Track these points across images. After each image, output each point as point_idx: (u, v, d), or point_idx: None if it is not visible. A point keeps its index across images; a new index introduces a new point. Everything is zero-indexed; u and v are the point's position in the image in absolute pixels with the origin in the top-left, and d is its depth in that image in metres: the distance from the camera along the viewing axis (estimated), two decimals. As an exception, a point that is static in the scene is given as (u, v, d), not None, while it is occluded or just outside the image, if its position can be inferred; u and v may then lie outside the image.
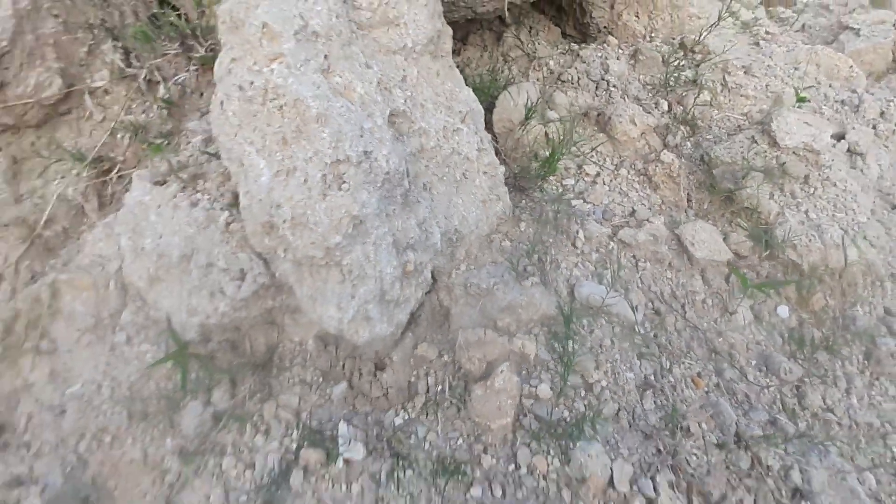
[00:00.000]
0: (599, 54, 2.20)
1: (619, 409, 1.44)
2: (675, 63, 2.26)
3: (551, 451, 1.36)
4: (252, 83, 1.31)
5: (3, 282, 2.06)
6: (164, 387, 1.65)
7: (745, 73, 2.54)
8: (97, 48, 2.22)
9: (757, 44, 2.87)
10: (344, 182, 1.26)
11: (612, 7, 2.29)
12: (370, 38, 1.50)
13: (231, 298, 1.54)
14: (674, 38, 2.46)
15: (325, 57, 1.35)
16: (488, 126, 1.83)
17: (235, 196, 1.72)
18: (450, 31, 1.72)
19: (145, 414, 1.63)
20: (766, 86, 2.50)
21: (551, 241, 1.70)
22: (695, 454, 1.37)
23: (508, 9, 1.82)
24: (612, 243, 1.76)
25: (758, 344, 1.69)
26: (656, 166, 1.92)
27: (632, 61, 2.25)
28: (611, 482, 1.31)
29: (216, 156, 1.87)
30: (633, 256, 1.76)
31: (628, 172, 1.96)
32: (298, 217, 1.25)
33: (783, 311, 1.79)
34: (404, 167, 1.40)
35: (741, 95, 2.25)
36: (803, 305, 1.82)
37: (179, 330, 1.63)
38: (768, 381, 1.62)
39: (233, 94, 1.35)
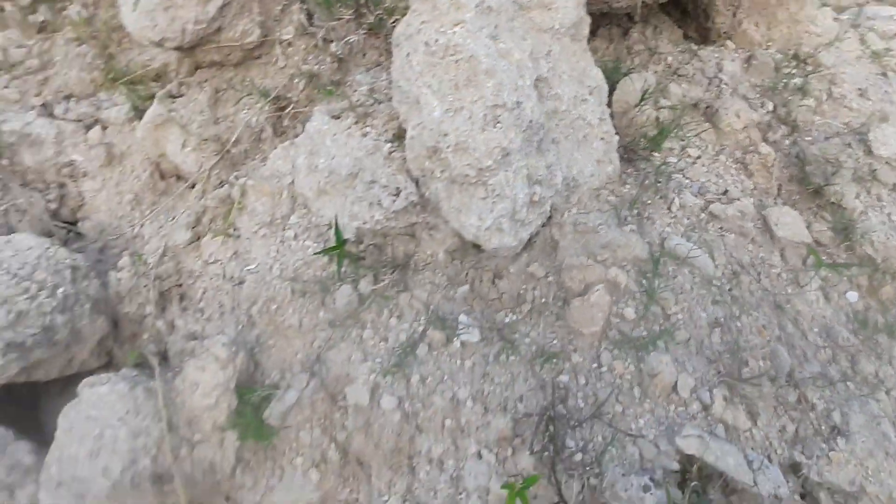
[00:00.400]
0: (716, 55, 2.47)
1: (689, 338, 1.75)
2: (787, 71, 2.49)
3: (629, 359, 1.70)
4: (437, 41, 1.73)
5: (198, 184, 2.64)
6: (320, 274, 2.13)
7: (859, 94, 2.72)
8: (288, 7, 2.75)
9: (884, 74, 2.98)
10: (498, 122, 1.66)
11: (734, 15, 2.55)
12: (527, 17, 1.89)
13: (386, 210, 1.99)
14: (789, 50, 2.69)
15: (495, 27, 1.75)
16: (608, 104, 2.17)
17: (397, 132, 2.16)
18: (588, 19, 2.08)
19: (304, 292, 2.12)
20: (880, 110, 2.66)
21: (650, 202, 2.03)
22: (750, 383, 1.66)
23: (643, 6, 2.15)
24: (703, 214, 2.05)
25: (823, 317, 1.94)
26: (753, 156, 2.19)
27: (745, 65, 2.50)
28: (674, 388, 1.63)
29: (380, 101, 2.33)
30: (721, 228, 2.04)
31: (727, 159, 2.23)
32: (461, 143, 1.67)
33: (852, 295, 2.01)
34: (542, 120, 1.78)
35: (845, 107, 2.46)
36: (872, 294, 2.03)
37: (335, 233, 2.10)
38: (825, 344, 1.86)
39: (419, 48, 1.78)
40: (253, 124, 2.66)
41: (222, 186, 2.56)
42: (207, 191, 2.59)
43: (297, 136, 2.66)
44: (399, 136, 2.10)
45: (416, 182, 1.99)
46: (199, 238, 2.54)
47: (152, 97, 2.94)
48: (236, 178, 2.57)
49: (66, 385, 2.47)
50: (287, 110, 2.68)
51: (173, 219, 2.68)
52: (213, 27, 2.53)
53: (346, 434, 1.84)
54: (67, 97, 2.97)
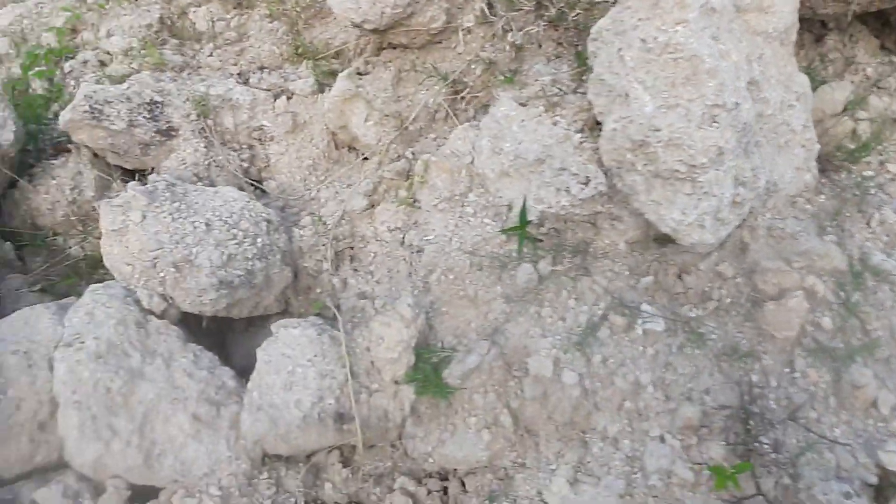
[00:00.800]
0: (920, 70, 2.37)
1: (889, 356, 1.73)
2: None
3: (824, 368, 1.72)
4: (656, 38, 1.80)
5: (375, 156, 2.85)
6: (497, 251, 2.27)
7: None
8: (471, -3, 2.88)
9: None
10: (716, 121, 1.71)
11: (940, 28, 2.42)
12: (743, 20, 1.92)
13: (573, 197, 2.09)
14: None
15: (717, 28, 1.79)
16: (804, 111, 2.15)
17: (586, 123, 2.25)
18: (797, 24, 2.07)
19: (480, 266, 2.26)
20: None
21: (848, 216, 2.00)
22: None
23: (852, 14, 2.10)
24: (903, 232, 2.00)
25: None
26: (961, 178, 2.09)
27: (953, 81, 2.38)
28: (874, 403, 1.63)
29: (565, 92, 2.43)
30: (923, 248, 1.98)
31: (930, 179, 2.15)
32: (674, 139, 1.73)
33: None
34: (752, 123, 1.81)
35: None
36: None
37: (519, 214, 2.23)
38: None
39: (634, 44, 1.85)
40: (430, 104, 2.84)
41: (399, 160, 2.76)
42: (384, 163, 2.80)
43: (469, 118, 2.81)
44: (589, 127, 2.19)
45: (606, 172, 2.07)
46: (373, 206, 2.76)
47: (332, 72, 3.19)
48: (412, 153, 2.76)
49: (248, 325, 2.77)
50: (462, 94, 2.83)
51: (348, 186, 2.92)
52: (407, 12, 2.71)
53: (520, 401, 1.97)
54: (260, 68, 3.29)
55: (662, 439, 1.70)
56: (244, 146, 3.09)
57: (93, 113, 2.81)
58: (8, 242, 2.73)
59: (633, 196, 1.94)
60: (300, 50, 3.27)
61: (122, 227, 2.38)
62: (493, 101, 2.81)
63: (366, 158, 3.04)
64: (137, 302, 2.29)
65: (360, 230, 2.75)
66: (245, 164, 3.04)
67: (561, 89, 2.40)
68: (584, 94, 2.34)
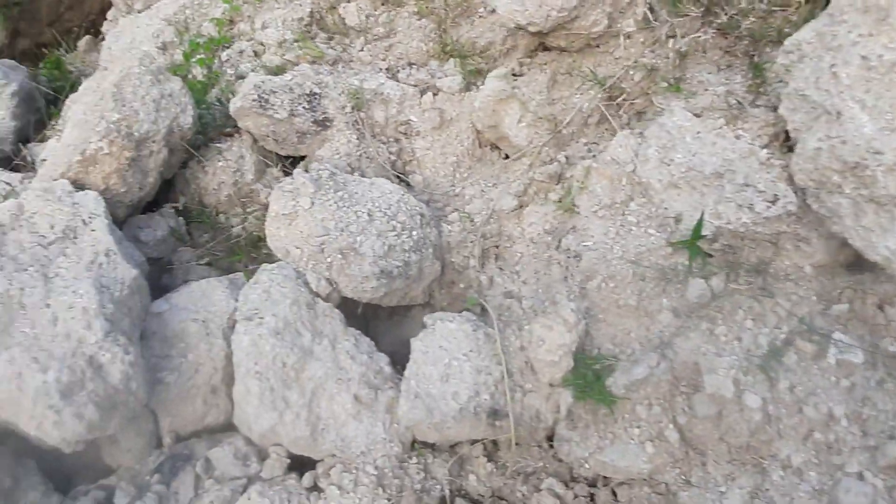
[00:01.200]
0: None
1: None
2: None
3: None
4: (881, 56, 1.70)
5: (524, 157, 2.87)
6: (662, 262, 2.24)
7: None
8: (634, 2, 2.83)
9: None
10: (949, 148, 1.61)
11: None
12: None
13: (757, 214, 2.02)
14: None
15: (952, 47, 1.68)
16: None
17: (772, 138, 2.18)
18: None
19: (644, 276, 2.24)
20: None
21: None
22: None
23: None
24: None
25: None
26: None
27: None
28: None
29: (742, 104, 2.35)
30: None
31: None
32: (899, 164, 1.64)
33: None
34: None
35: None
36: None
37: (689, 228, 2.18)
38: None
39: (852, 60, 1.77)
40: (583, 109, 2.82)
41: (551, 163, 2.76)
42: (535, 165, 2.81)
43: (623, 125, 2.77)
44: (778, 144, 2.11)
45: (796, 192, 1.99)
46: (521, 207, 2.78)
47: (478, 71, 3.23)
48: (566, 157, 2.76)
49: (391, 313, 2.88)
50: (618, 99, 2.80)
51: (493, 185, 2.95)
52: (572, 15, 2.71)
53: (688, 418, 1.95)
54: (409, 64, 3.38)
55: (861, 476, 1.63)
56: (391, 139, 3.19)
57: (260, 102, 2.98)
58: (181, 217, 2.95)
59: (833, 219, 1.86)
60: (448, 48, 3.33)
61: (292, 212, 2.52)
62: (650, 108, 2.77)
63: (506, 157, 3.08)
64: (306, 284, 2.42)
65: (507, 230, 2.78)
66: (393, 158, 3.14)
67: (739, 101, 2.32)
68: (767, 107, 2.26)
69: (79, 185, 2.56)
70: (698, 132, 2.25)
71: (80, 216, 2.41)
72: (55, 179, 2.54)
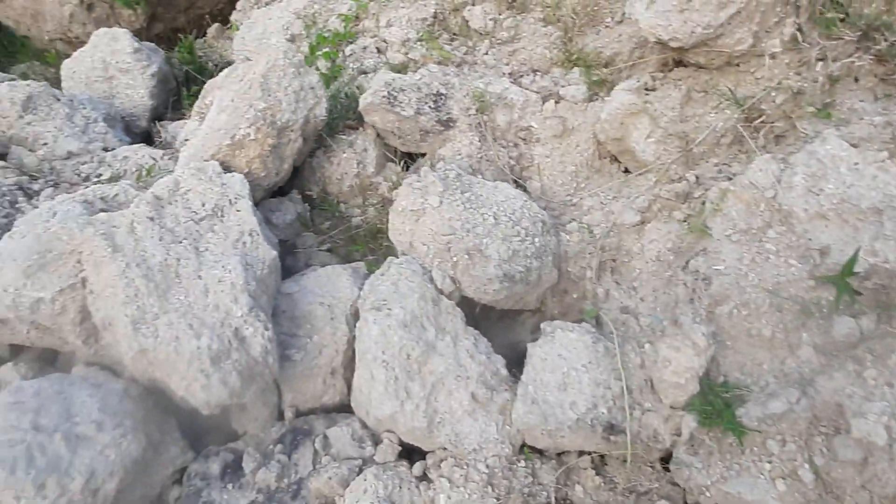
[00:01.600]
0: None
1: None
2: None
3: None
4: None
5: (650, 173, 2.84)
6: (804, 295, 2.16)
7: None
8: (783, 21, 2.73)
9: None
10: None
11: None
12: None
13: (921, 255, 1.91)
14: None
15: None
16: None
17: (944, 177, 2.06)
18: None
19: (781, 308, 2.17)
20: None
21: None
22: None
23: None
24: None
25: None
26: None
27: None
28: None
29: (905, 138, 2.24)
30: None
31: None
32: None
33: None
34: None
35: None
36: None
37: (836, 262, 2.09)
38: None
39: None
40: (718, 129, 2.75)
41: (679, 181, 2.72)
42: (661, 182, 2.77)
43: (759, 147, 2.69)
44: (950, 183, 2.00)
45: (970, 236, 1.87)
46: (643, 222, 2.75)
47: (602, 81, 3.21)
48: (696, 177, 2.70)
49: (501, 316, 2.91)
50: (755, 121, 2.71)
51: (614, 198, 2.93)
52: (717, 33, 2.65)
53: (826, 461, 1.88)
54: (532, 70, 3.40)
55: None
56: (511, 144, 3.22)
57: (389, 99, 3.07)
58: (306, 204, 3.10)
59: None
60: (573, 56, 3.33)
61: (420, 209, 2.59)
62: (792, 132, 2.67)
63: (626, 171, 3.04)
64: (432, 280, 2.49)
65: (626, 244, 2.75)
66: (512, 163, 3.17)
67: (900, 134, 2.21)
68: (935, 143, 2.14)
69: (225, 167, 2.73)
70: (856, 163, 2.16)
71: (228, 196, 2.57)
72: (205, 160, 2.72)
